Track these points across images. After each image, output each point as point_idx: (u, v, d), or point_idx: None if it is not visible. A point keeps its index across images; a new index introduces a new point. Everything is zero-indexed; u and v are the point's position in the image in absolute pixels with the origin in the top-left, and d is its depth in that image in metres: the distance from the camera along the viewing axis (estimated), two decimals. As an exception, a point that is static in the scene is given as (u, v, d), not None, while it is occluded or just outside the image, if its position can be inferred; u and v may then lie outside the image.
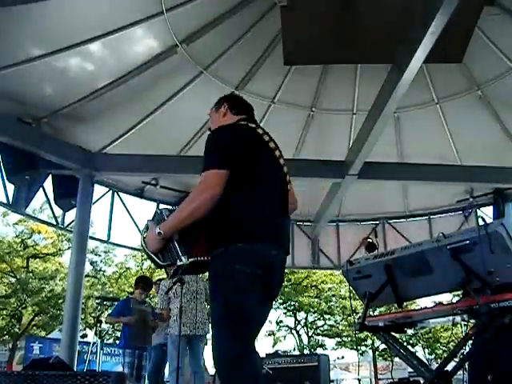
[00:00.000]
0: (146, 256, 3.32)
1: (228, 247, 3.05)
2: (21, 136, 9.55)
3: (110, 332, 32.06)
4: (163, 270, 3.04)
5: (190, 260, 3.15)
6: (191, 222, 3.07)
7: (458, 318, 4.34)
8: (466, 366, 4.26)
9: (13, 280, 32.48)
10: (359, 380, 33.21)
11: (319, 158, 11.24)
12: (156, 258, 3.22)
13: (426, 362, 5.80)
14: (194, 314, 8.11)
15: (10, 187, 10.46)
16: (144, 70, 9.61)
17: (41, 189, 11.07)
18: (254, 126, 3.55)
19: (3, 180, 10.20)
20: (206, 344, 8.89)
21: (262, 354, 11.56)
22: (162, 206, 12.07)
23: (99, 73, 9.76)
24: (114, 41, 8.98)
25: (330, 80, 10.83)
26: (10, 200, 10.51)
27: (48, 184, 11.00)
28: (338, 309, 37.14)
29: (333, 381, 27.47)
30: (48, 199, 11.41)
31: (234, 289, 3.01)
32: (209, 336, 8.40)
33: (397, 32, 7.98)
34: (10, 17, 8.03)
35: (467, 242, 4.08)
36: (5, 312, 32.75)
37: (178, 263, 3.16)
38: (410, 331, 6.04)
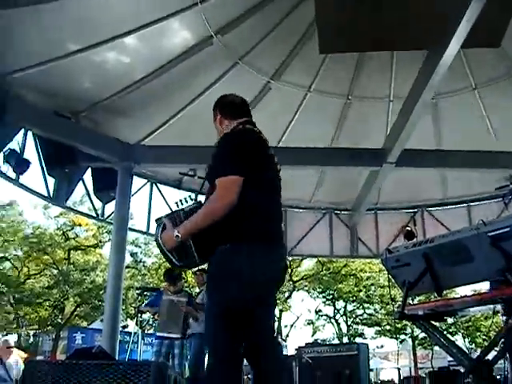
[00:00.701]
0: (160, 252, 3.42)
1: (238, 246, 3.17)
2: (60, 130, 9.72)
3: (150, 322, 32.42)
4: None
5: (202, 262, 3.33)
6: (208, 227, 3.16)
7: (498, 307, 4.30)
8: (508, 355, 4.22)
9: (55, 272, 33.08)
10: (399, 369, 32.95)
11: (356, 146, 11.20)
12: (171, 257, 3.31)
13: (466, 350, 5.77)
14: None
15: (51, 181, 10.69)
16: (180, 62, 9.66)
17: (81, 182, 11.26)
18: (257, 130, 3.60)
19: (44, 174, 10.39)
20: None
21: (302, 344, 11.59)
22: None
23: (136, 65, 9.85)
24: (149, 33, 9.04)
25: (365, 67, 10.73)
26: (51, 193, 10.70)
27: (88, 177, 11.20)
28: (377, 297, 36.96)
29: (372, 370, 27.35)
30: (88, 192, 11.58)
31: (238, 290, 3.14)
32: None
33: (433, 17, 7.89)
34: (47, 14, 8.17)
35: (507, 229, 4.03)
36: (48, 303, 33.40)
37: (193, 264, 3.40)
38: (449, 320, 6.00)
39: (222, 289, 3.16)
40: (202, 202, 3.43)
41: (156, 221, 3.55)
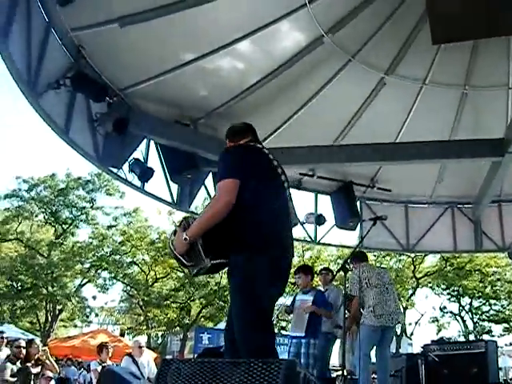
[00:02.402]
0: (173, 257, 3.89)
1: (254, 255, 3.66)
2: (181, 138, 10.08)
3: (274, 322, 32.80)
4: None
5: (211, 262, 3.69)
6: (211, 226, 3.65)
7: None
8: None
9: (181, 275, 34.08)
10: (529, 368, 31.63)
11: (476, 137, 10.90)
12: (182, 259, 3.75)
13: None
14: (389, 305, 8.22)
15: (174, 187, 11.13)
16: (293, 64, 9.73)
17: (202, 186, 11.58)
18: (266, 151, 4.23)
19: (167, 180, 10.79)
20: (395, 334, 9.03)
21: (427, 341, 11.42)
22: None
23: (250, 70, 10.04)
24: (261, 38, 9.18)
25: (481, 55, 10.34)
26: (175, 199, 11.14)
27: (209, 181, 11.50)
28: (505, 293, 35.80)
29: (501, 368, 26.34)
30: (210, 196, 11.87)
31: (261, 287, 3.66)
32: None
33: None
34: (162, 27, 8.54)
35: None
36: (175, 305, 34.62)
37: (201, 264, 3.70)
38: None
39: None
40: None
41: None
